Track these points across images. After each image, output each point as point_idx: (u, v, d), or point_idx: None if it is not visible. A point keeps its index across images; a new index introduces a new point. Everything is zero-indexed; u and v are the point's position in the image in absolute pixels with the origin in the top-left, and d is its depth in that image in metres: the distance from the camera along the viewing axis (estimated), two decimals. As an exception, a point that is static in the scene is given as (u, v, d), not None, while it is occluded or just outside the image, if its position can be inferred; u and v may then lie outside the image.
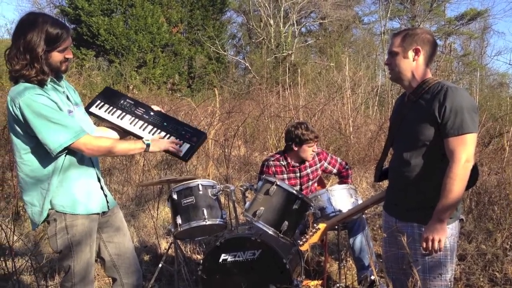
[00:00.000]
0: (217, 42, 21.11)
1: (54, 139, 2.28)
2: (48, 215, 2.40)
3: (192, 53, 21.65)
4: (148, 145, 2.55)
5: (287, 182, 3.87)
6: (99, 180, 2.59)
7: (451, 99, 2.16)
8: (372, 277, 3.57)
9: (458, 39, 28.57)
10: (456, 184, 2.15)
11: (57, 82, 2.46)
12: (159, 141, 2.63)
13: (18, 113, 2.28)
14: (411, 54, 2.32)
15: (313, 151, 3.92)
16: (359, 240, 3.70)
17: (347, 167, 4.13)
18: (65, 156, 2.39)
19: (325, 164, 4.07)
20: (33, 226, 2.52)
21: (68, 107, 2.45)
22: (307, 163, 3.97)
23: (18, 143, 2.38)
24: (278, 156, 4.04)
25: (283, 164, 3.98)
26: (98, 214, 2.53)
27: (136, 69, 19.05)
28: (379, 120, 9.26)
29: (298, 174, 3.97)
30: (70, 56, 2.45)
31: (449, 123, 2.16)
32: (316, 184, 4.13)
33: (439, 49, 27.99)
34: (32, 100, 2.26)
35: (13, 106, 2.29)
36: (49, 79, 2.39)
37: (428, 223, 2.22)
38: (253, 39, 25.88)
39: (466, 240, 4.27)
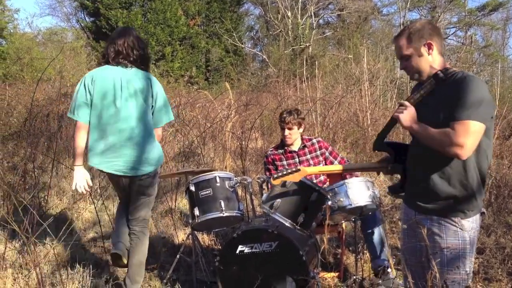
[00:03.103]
0: (234, 34, 21.11)
1: None
2: None
3: (210, 46, 21.71)
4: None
5: (287, 167, 3.91)
6: None
7: (469, 87, 2.12)
8: (389, 270, 3.57)
9: (479, 30, 28.12)
10: (437, 139, 2.15)
11: None
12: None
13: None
14: (424, 50, 2.27)
15: (286, 136, 4.08)
16: (377, 233, 3.70)
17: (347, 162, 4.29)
18: None
19: (327, 153, 4.19)
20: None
21: None
22: (306, 149, 4.16)
23: None
24: (276, 145, 4.30)
25: (281, 152, 4.18)
26: None
27: (154, 62, 19.18)
28: (398, 113, 9.15)
29: (297, 160, 4.13)
30: None
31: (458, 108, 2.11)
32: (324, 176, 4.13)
33: (460, 40, 27.55)
34: None
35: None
36: None
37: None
38: (270, 31, 25.80)
39: (485, 234, 4.22)
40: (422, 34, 2.26)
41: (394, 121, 2.46)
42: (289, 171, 2.89)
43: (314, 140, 4.22)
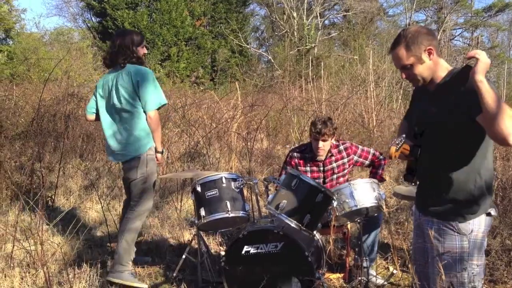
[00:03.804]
0: (240, 35, 21.14)
1: None
2: None
3: (216, 47, 21.74)
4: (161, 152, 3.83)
5: (309, 175, 3.89)
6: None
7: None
8: (395, 271, 3.58)
9: (486, 31, 28.00)
10: (502, 112, 1.96)
11: None
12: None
13: None
14: (425, 56, 2.25)
15: (320, 148, 3.83)
16: (372, 237, 3.76)
17: (381, 157, 4.03)
18: None
19: (355, 158, 3.99)
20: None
21: None
22: (332, 157, 3.93)
23: None
24: (304, 148, 4.04)
25: (307, 156, 3.95)
26: None
27: (160, 62, 19.23)
28: (403, 114, 9.15)
29: (321, 168, 3.94)
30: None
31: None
32: (344, 178, 4.07)
33: (467, 41, 27.41)
34: None
35: None
36: None
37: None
38: (276, 31, 25.81)
39: (491, 236, 4.22)
40: (421, 41, 2.23)
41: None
42: (402, 141, 2.39)
43: (342, 147, 3.97)
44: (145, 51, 3.87)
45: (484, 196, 2.26)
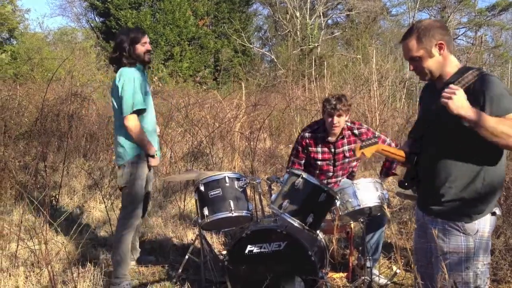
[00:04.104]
0: (243, 34, 21.13)
1: None
2: None
3: (219, 46, 21.74)
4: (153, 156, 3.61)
5: (320, 156, 3.87)
6: None
7: (488, 86, 2.10)
8: (398, 271, 3.58)
9: (489, 31, 27.91)
10: (500, 129, 1.98)
11: None
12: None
13: None
14: (435, 51, 2.23)
15: (335, 125, 3.75)
16: (376, 237, 3.77)
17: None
18: None
19: (368, 134, 3.91)
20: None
21: None
22: (344, 140, 3.87)
23: None
24: (316, 127, 3.94)
25: (319, 136, 3.87)
26: None
27: (163, 62, 19.25)
28: (407, 113, 9.16)
29: (332, 150, 3.86)
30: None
31: (494, 108, 2.06)
32: (357, 163, 4.04)
33: (470, 40, 27.33)
34: None
35: None
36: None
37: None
38: (279, 31, 25.80)
39: (494, 235, 4.21)
40: (433, 34, 2.22)
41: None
42: (370, 142, 2.49)
43: (357, 131, 3.89)
44: (146, 48, 3.64)
45: (492, 195, 2.24)
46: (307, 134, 3.92)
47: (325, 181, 3.90)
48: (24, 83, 12.57)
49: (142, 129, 3.55)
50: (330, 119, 3.76)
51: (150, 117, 3.69)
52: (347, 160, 3.91)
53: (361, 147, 2.46)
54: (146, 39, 3.65)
